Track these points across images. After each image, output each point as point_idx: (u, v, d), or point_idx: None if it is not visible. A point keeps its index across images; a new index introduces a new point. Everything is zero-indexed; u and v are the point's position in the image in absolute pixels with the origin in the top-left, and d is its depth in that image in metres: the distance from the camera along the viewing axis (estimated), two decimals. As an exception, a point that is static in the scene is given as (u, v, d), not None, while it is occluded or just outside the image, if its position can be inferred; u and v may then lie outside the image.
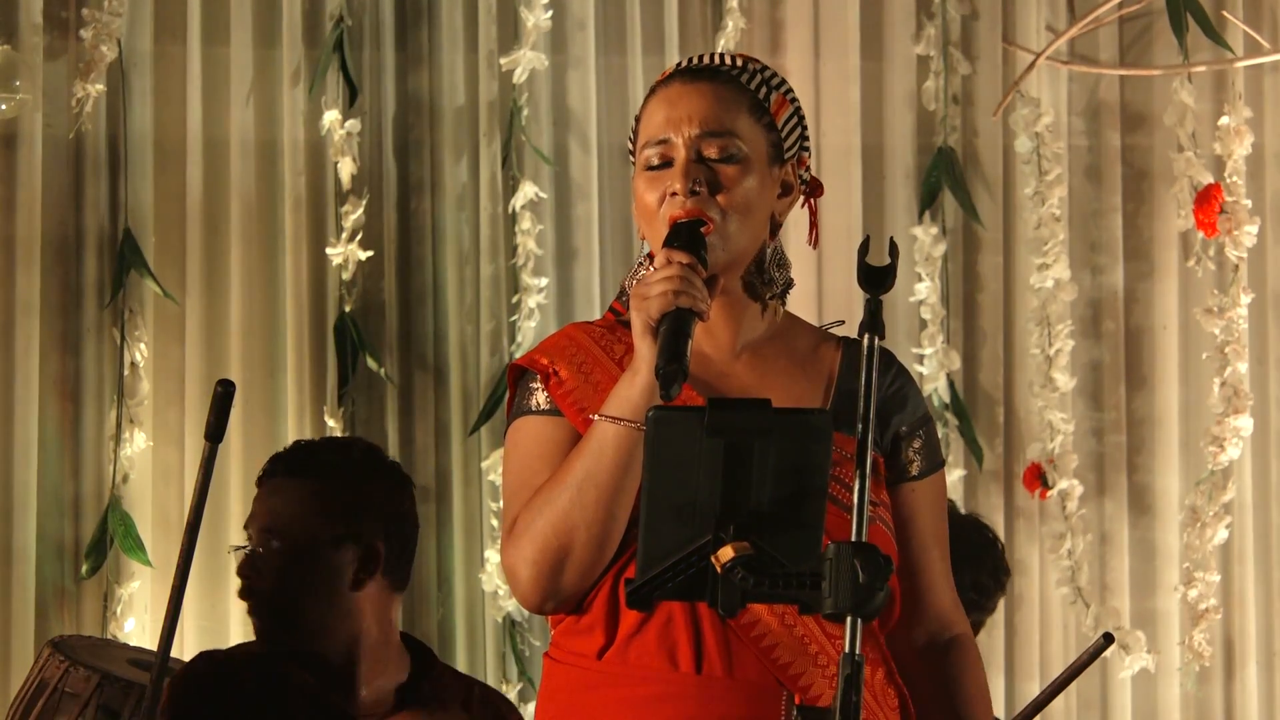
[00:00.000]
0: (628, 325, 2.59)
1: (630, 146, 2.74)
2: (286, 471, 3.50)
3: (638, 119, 2.72)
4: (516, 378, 2.70)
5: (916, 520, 2.72)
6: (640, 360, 2.50)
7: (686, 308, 2.47)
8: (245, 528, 3.52)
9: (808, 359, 2.72)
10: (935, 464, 2.75)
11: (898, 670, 2.69)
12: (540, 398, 2.65)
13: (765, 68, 2.72)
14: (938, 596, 2.74)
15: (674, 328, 2.46)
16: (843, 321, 2.81)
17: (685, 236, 2.56)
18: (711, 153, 2.63)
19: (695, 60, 2.72)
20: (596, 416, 2.53)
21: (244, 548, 3.48)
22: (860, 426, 2.26)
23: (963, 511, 4.60)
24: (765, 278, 2.70)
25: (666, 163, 2.63)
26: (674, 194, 2.61)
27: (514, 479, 2.63)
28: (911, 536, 2.71)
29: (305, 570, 3.42)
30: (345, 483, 3.46)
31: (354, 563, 3.44)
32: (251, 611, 3.48)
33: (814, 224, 2.77)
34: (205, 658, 3.52)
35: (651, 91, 2.71)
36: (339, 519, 3.44)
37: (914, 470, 2.72)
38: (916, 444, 2.73)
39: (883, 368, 2.70)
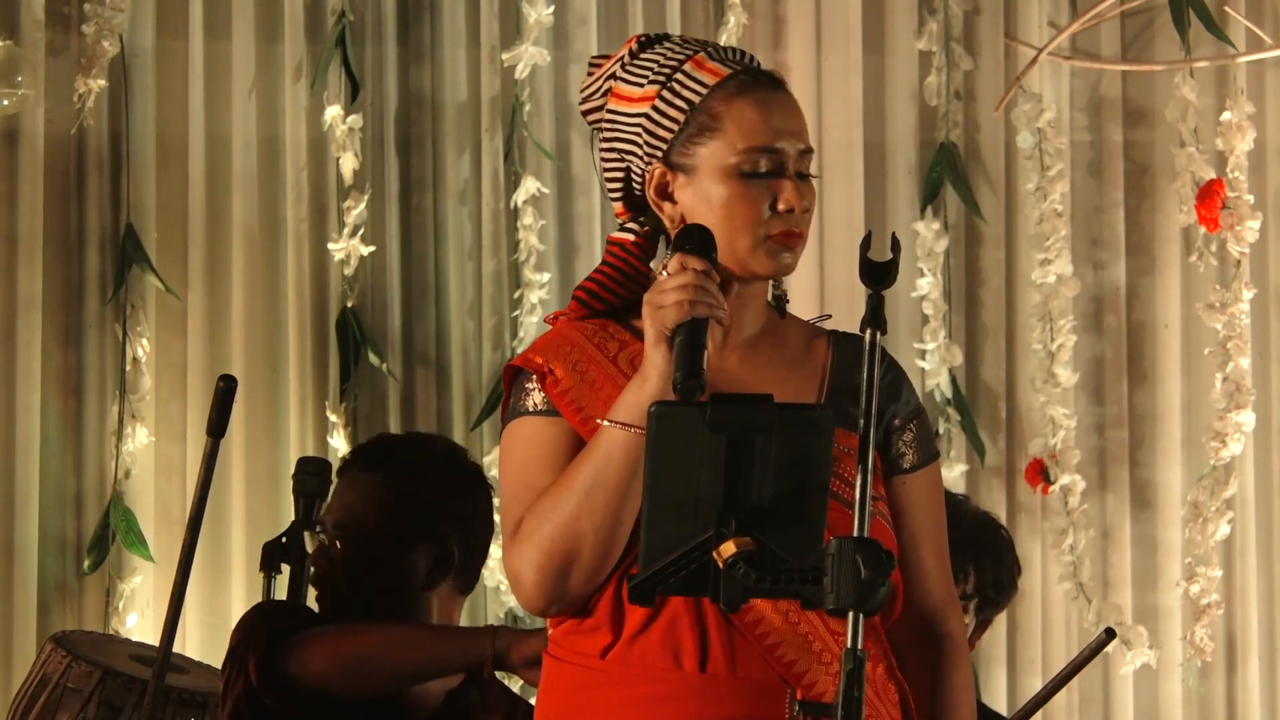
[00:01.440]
0: (623, 322, 2.60)
1: (673, 126, 2.61)
2: (364, 465, 3.41)
3: (711, 114, 2.59)
4: (512, 378, 2.67)
5: (907, 514, 2.69)
6: (651, 367, 2.47)
7: (703, 316, 2.45)
8: (321, 518, 3.46)
9: (800, 355, 2.70)
10: (928, 457, 2.71)
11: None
12: (537, 398, 2.62)
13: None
14: (926, 593, 2.70)
15: (689, 339, 2.42)
16: (829, 315, 2.80)
17: (697, 239, 2.52)
18: (803, 168, 2.61)
19: (744, 58, 2.64)
20: (604, 422, 2.51)
21: (320, 533, 3.41)
22: (863, 422, 2.26)
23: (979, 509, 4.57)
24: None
25: (770, 172, 2.59)
26: (789, 210, 2.58)
27: (514, 481, 2.61)
28: (901, 530, 2.68)
29: (376, 567, 3.34)
30: (424, 482, 3.36)
31: (427, 563, 3.35)
32: (319, 599, 3.41)
33: None
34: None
35: (737, 91, 2.60)
36: (415, 518, 3.34)
37: (906, 463, 2.70)
38: (908, 436, 2.70)
39: (875, 360, 2.70)
